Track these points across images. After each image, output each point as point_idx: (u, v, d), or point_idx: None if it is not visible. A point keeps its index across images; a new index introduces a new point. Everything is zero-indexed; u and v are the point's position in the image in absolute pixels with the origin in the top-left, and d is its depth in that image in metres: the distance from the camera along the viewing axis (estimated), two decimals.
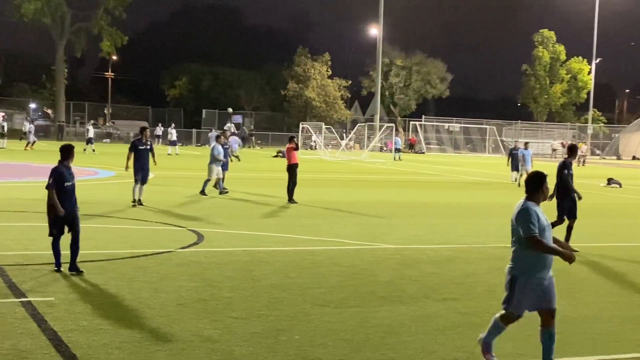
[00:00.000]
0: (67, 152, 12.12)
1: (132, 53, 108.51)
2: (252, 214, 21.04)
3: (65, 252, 11.86)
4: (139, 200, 21.28)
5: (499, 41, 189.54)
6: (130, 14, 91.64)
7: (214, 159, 25.45)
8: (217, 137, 26.78)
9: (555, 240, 8.17)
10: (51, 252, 11.97)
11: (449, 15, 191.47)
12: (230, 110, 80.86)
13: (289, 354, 8.28)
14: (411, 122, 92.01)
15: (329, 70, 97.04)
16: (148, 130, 23.09)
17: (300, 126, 72.61)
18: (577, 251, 15.26)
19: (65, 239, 11.91)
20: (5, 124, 60.08)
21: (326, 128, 74.79)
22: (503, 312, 7.99)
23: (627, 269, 14.29)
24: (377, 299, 11.02)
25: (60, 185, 11.77)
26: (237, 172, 31.91)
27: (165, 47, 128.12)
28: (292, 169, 24.42)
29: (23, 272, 11.85)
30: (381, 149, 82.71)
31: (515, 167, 36.30)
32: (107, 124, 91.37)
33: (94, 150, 53.79)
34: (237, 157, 27.06)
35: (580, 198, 16.27)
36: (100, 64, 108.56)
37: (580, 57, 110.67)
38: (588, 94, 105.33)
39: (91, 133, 57.12)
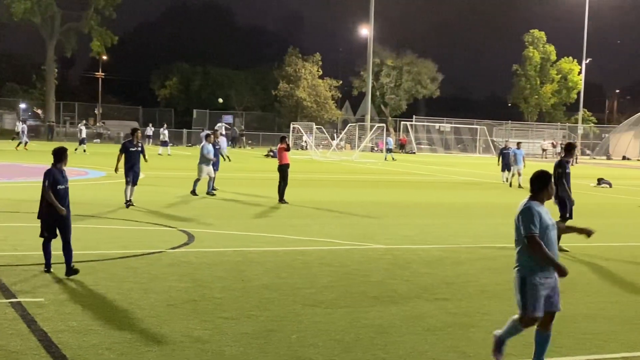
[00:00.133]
0: (59, 155, 12.02)
1: (122, 53, 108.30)
2: (243, 214, 21.02)
3: (57, 252, 11.80)
4: (130, 200, 21.22)
5: (490, 41, 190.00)
6: (121, 13, 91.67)
7: (203, 159, 25.41)
8: (207, 136, 26.71)
9: (569, 227, 8.18)
10: (41, 252, 11.94)
11: (440, 15, 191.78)
12: (220, 100, 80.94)
13: (280, 354, 8.27)
14: (402, 122, 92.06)
15: (320, 70, 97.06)
16: (139, 131, 23.02)
17: (291, 126, 72.60)
18: (567, 251, 15.33)
19: (57, 241, 11.86)
20: None
21: (317, 128, 74.78)
22: (520, 317, 7.84)
23: (618, 269, 14.32)
24: (368, 299, 11.02)
25: (53, 187, 11.69)
26: (227, 172, 31.87)
27: (155, 47, 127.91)
28: (283, 169, 24.41)
29: (13, 272, 11.81)
30: (372, 149, 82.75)
31: (505, 167, 36.30)
32: (98, 124, 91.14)
33: (84, 151, 53.65)
34: (227, 157, 26.93)
35: (572, 203, 16.23)
36: (90, 64, 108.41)
37: (570, 58, 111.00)
38: (578, 94, 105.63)
39: (84, 133, 57.11)
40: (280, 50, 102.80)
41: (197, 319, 9.55)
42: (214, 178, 26.29)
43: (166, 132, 61.09)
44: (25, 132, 56.92)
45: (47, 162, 12.10)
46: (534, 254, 7.60)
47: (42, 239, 11.88)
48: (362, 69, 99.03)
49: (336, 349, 8.53)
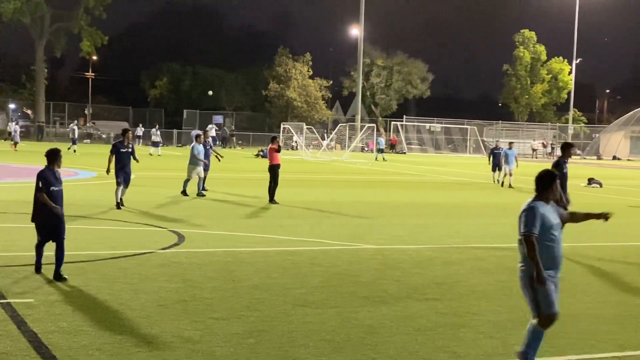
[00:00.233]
0: (53, 157, 11.88)
1: (112, 53, 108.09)
2: (233, 215, 21.01)
3: (48, 252, 11.75)
4: (121, 200, 21.16)
5: (480, 41, 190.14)
6: (111, 13, 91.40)
7: (193, 159, 25.35)
8: (197, 137, 26.66)
9: (587, 214, 8.41)
10: (31, 253, 11.89)
11: (430, 15, 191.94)
12: (210, 93, 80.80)
13: (270, 354, 8.27)
14: (392, 122, 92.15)
15: (310, 70, 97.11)
16: (130, 132, 22.96)
17: (282, 126, 72.59)
18: None
19: (50, 243, 11.80)
20: None
21: (307, 128, 74.78)
22: (538, 319, 7.76)
23: (609, 269, 14.37)
24: (359, 299, 11.02)
25: (47, 189, 11.57)
26: (217, 172, 31.82)
27: (145, 47, 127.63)
28: (273, 169, 24.41)
29: (3, 273, 11.77)
30: (362, 149, 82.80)
31: (496, 167, 36.34)
32: (88, 124, 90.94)
33: (74, 151, 53.53)
34: (217, 156, 27.04)
35: (568, 203, 16.19)
36: (80, 64, 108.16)
37: (560, 58, 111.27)
38: (568, 94, 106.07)
39: (76, 133, 57.15)
40: (270, 51, 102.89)
41: (187, 319, 9.54)
42: (205, 178, 26.26)
43: (158, 132, 61.13)
44: (18, 132, 56.94)
45: (36, 163, 12.07)
46: (527, 254, 7.61)
47: (33, 240, 11.79)
48: (352, 69, 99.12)
49: (326, 349, 8.53)
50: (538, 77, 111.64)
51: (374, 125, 78.85)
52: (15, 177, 30.03)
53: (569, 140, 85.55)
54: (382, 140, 68.66)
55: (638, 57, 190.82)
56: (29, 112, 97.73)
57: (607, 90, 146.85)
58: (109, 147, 22.47)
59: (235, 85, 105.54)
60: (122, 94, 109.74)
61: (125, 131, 22.52)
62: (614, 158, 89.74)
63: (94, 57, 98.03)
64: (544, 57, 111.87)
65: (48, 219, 11.58)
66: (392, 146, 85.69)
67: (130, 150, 21.58)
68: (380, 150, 64.69)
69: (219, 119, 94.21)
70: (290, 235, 17.07)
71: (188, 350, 8.30)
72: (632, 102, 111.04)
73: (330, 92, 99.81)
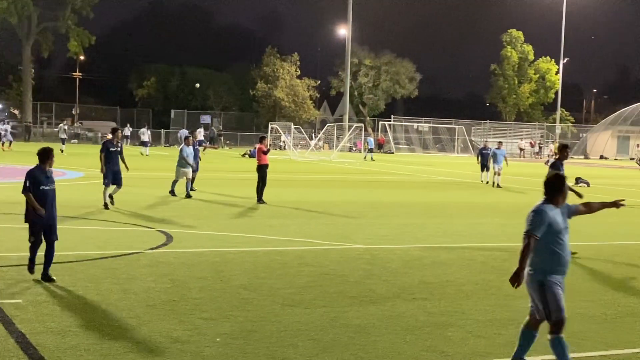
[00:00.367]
0: (44, 156, 11.75)
1: (100, 53, 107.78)
2: (221, 215, 21.00)
3: (38, 253, 11.71)
4: (111, 197, 21.06)
5: (468, 41, 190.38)
6: (98, 13, 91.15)
7: (181, 161, 25.27)
8: (186, 138, 26.62)
9: (603, 203, 8.43)
10: (19, 253, 11.85)
11: (418, 15, 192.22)
12: (197, 85, 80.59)
13: (259, 354, 8.28)
14: (380, 122, 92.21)
15: (298, 70, 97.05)
16: (120, 131, 22.91)
17: (269, 126, 72.56)
18: (575, 253, 15.37)
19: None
20: None
21: (295, 128, 74.76)
22: (550, 326, 7.72)
23: (597, 268, 14.42)
24: (347, 299, 11.04)
25: (36, 189, 11.42)
26: (205, 173, 31.77)
27: (133, 47, 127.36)
28: (262, 169, 24.40)
29: None
30: (350, 149, 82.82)
31: (484, 167, 36.38)
32: (76, 124, 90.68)
33: (62, 151, 53.33)
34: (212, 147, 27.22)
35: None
36: (68, 64, 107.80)
37: (548, 57, 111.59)
38: (556, 93, 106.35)
39: (65, 133, 57.22)
40: (258, 51, 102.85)
41: (176, 319, 9.54)
42: (194, 179, 26.27)
43: (148, 132, 61.31)
44: (9, 132, 56.88)
45: (24, 163, 11.98)
46: (521, 250, 7.61)
47: (20, 240, 11.68)
48: (340, 68, 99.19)
49: (315, 348, 8.55)
50: (525, 77, 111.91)
51: (362, 125, 78.88)
52: (2, 177, 29.91)
53: (564, 142, 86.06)
54: (372, 140, 68.73)
55: (625, 57, 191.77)
56: (16, 112, 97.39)
57: (594, 90, 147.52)
58: (97, 147, 22.42)
59: (223, 85, 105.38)
60: (110, 94, 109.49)
61: (114, 130, 22.49)
62: (601, 157, 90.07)
63: (82, 57, 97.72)
64: (531, 56, 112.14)
65: (42, 218, 11.45)
66: (380, 146, 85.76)
67: (119, 149, 21.56)
68: (370, 150, 64.80)
69: (206, 118, 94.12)
70: (278, 235, 17.07)
71: (177, 351, 8.29)
72: (619, 102, 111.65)
73: (318, 92, 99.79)
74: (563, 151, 16.71)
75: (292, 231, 17.87)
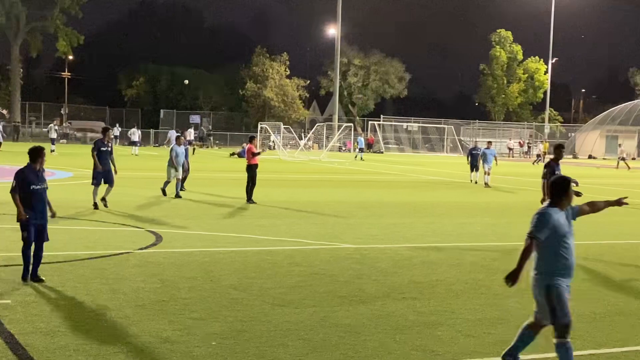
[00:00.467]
0: (35, 155, 11.58)
1: (89, 53, 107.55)
2: (211, 215, 20.97)
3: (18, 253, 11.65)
4: (104, 200, 20.95)
5: (457, 41, 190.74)
6: (87, 13, 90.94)
7: (172, 161, 25.21)
8: (177, 138, 26.60)
9: (607, 202, 8.40)
10: (7, 254, 11.80)
11: (407, 15, 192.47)
12: (186, 82, 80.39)
13: (249, 354, 8.27)
14: (369, 122, 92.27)
15: (287, 70, 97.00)
16: (111, 131, 22.87)
17: (259, 126, 72.47)
18: None
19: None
20: None
21: (285, 128, 74.72)
22: (555, 330, 7.66)
23: (585, 267, 14.43)
24: (337, 298, 11.04)
25: (26, 188, 11.28)
26: (195, 173, 31.70)
27: (122, 47, 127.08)
28: (251, 169, 24.39)
29: None
30: (340, 149, 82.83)
31: (474, 167, 36.38)
32: (64, 124, 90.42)
33: (52, 151, 53.15)
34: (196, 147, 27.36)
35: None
36: (56, 64, 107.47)
37: (536, 57, 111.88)
38: (544, 93, 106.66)
39: (55, 133, 57.19)
40: (247, 50, 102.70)
41: (165, 319, 9.53)
42: (185, 178, 26.30)
43: (138, 132, 61.36)
44: (1, 132, 56.89)
45: (12, 163, 11.86)
46: (520, 254, 7.56)
47: (7, 240, 11.60)
48: (329, 68, 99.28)
49: (305, 348, 8.55)
50: (514, 77, 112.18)
51: (352, 124, 78.91)
52: None
53: (560, 142, 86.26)
54: (362, 139, 68.80)
55: (613, 57, 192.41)
56: (5, 112, 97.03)
57: (583, 90, 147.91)
58: (87, 146, 22.35)
59: (213, 85, 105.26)
60: (99, 93, 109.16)
61: (105, 130, 22.46)
62: (590, 157, 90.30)
63: (70, 57, 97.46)
64: (520, 56, 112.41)
65: (33, 218, 11.32)
66: (369, 146, 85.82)
67: (109, 149, 21.52)
68: (360, 150, 64.88)
69: (196, 118, 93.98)
70: (268, 235, 17.06)
71: (166, 351, 8.28)
72: (608, 102, 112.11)
73: (307, 91, 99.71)
74: (558, 151, 16.52)
75: (282, 231, 17.86)
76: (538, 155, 71.07)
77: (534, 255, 7.70)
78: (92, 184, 21.17)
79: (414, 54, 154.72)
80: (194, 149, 26.79)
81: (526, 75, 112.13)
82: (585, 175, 47.28)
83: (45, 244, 11.55)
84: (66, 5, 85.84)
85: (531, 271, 7.70)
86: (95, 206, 20.75)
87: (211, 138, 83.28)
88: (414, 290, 11.77)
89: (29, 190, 11.32)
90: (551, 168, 15.98)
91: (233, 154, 59.26)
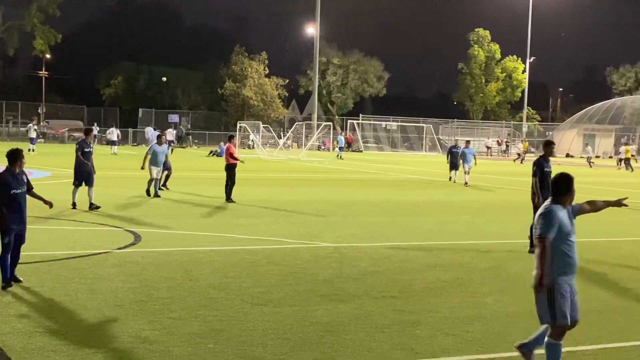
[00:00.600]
0: (13, 157, 11.29)
1: (66, 51, 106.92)
2: (190, 214, 20.92)
3: None
4: (92, 205, 20.75)
5: (435, 40, 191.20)
6: (65, 11, 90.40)
7: (152, 160, 25.10)
8: (159, 137, 26.55)
9: (606, 202, 8.27)
10: None
11: (385, 14, 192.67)
12: (164, 79, 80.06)
13: (228, 353, 8.26)
14: (349, 121, 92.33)
15: (266, 69, 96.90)
16: (93, 131, 22.77)
17: (238, 125, 72.38)
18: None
19: None
20: None
21: (264, 127, 74.64)
22: (551, 330, 7.65)
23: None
24: (316, 297, 11.05)
25: (6, 193, 11.03)
26: (174, 172, 31.62)
27: (100, 46, 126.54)
28: (230, 168, 24.36)
29: None
30: (319, 148, 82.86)
31: (453, 166, 36.36)
32: (42, 123, 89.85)
33: (32, 151, 52.79)
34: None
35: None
36: (34, 63, 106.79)
37: (514, 56, 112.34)
38: (522, 92, 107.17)
39: (34, 133, 56.93)
40: (226, 49, 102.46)
41: (144, 319, 9.50)
42: (168, 177, 26.31)
43: (117, 131, 61.18)
44: None
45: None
46: (536, 256, 7.45)
47: None
48: (308, 67, 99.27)
49: (285, 347, 8.55)
50: (492, 76, 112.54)
51: (331, 123, 78.96)
52: None
53: (523, 140, 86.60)
54: (342, 138, 68.85)
55: (590, 56, 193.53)
56: None
57: (560, 89, 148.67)
58: (65, 146, 22.24)
59: (191, 84, 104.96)
60: (77, 92, 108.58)
61: (88, 130, 22.37)
62: (567, 155, 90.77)
63: (48, 56, 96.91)
64: (498, 55, 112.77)
65: (13, 223, 11.10)
66: (348, 144, 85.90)
67: (91, 150, 21.43)
68: (340, 149, 64.91)
69: (174, 117, 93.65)
70: (247, 234, 17.05)
71: (145, 351, 8.26)
72: (585, 100, 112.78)
73: (286, 90, 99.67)
74: (548, 148, 16.17)
75: (261, 230, 17.85)
76: (518, 154, 71.38)
77: (535, 253, 7.61)
78: (74, 184, 21.06)
79: (392, 53, 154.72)
80: (172, 150, 26.77)
81: (504, 74, 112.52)
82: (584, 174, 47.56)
83: (23, 244, 11.45)
84: (43, 3, 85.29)
85: (533, 270, 7.64)
86: (74, 206, 20.66)
87: (190, 137, 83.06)
88: (393, 288, 11.80)
89: (9, 195, 11.07)
90: (540, 166, 15.70)
91: (212, 152, 59.17)
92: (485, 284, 12.39)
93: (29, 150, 52.42)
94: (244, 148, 72.51)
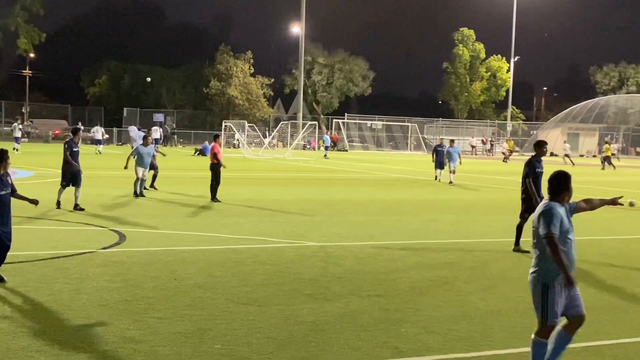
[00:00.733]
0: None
1: (50, 50, 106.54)
2: (175, 213, 20.88)
3: None
4: (77, 206, 20.63)
5: (420, 39, 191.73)
6: (49, 10, 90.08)
7: (138, 161, 25.02)
8: (145, 138, 26.49)
9: (602, 200, 8.20)
10: None
11: (371, 13, 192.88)
12: (148, 79, 79.82)
13: (213, 353, 8.25)
14: (334, 120, 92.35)
15: (252, 68, 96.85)
16: (81, 131, 22.70)
17: (223, 124, 72.24)
18: (527, 251, 15.44)
19: None
20: None
21: (249, 126, 74.57)
22: (539, 327, 7.57)
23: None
24: (302, 296, 11.05)
25: None
26: (159, 171, 31.56)
27: (85, 45, 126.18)
28: (215, 167, 24.32)
29: None
30: (304, 147, 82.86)
31: (439, 165, 36.40)
32: (26, 122, 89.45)
33: (16, 150, 52.53)
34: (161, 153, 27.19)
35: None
36: (17, 62, 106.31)
37: (499, 55, 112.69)
38: (507, 91, 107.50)
39: (19, 132, 56.82)
40: (211, 48, 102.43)
41: (129, 319, 9.47)
42: (155, 176, 26.31)
43: (102, 129, 61.01)
44: None
45: None
46: (551, 255, 7.33)
47: None
48: (293, 67, 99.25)
49: (270, 346, 8.54)
50: (477, 75, 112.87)
51: (316, 123, 78.98)
52: None
53: (508, 139, 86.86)
54: (328, 138, 68.84)
55: (574, 55, 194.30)
56: None
57: (544, 88, 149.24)
58: (49, 145, 22.15)
59: (176, 83, 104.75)
60: (61, 92, 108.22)
61: (76, 130, 22.28)
62: (551, 154, 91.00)
63: (32, 55, 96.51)
64: (482, 55, 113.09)
65: (1, 226, 11.03)
66: (334, 144, 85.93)
67: (78, 149, 21.34)
68: (327, 148, 64.92)
69: (159, 117, 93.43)
70: (232, 234, 17.03)
71: (130, 350, 8.23)
72: (569, 99, 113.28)
73: (271, 89, 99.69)
74: (540, 149, 16.11)
75: (247, 229, 17.83)
76: (503, 153, 71.57)
77: (533, 252, 7.59)
78: (61, 184, 20.95)
79: (378, 53, 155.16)
80: (164, 154, 26.70)
81: (489, 73, 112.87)
82: (547, 172, 47.73)
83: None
84: (27, 2, 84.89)
85: (531, 267, 7.62)
86: (58, 205, 20.56)
87: (175, 136, 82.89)
88: (378, 287, 11.81)
89: None
90: (532, 166, 15.68)
91: (197, 151, 59.12)
92: (470, 283, 12.42)
93: (14, 149, 52.19)
94: (229, 147, 72.40)
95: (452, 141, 38.01)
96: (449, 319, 10.02)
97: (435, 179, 36.34)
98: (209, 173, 24.47)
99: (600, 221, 21.24)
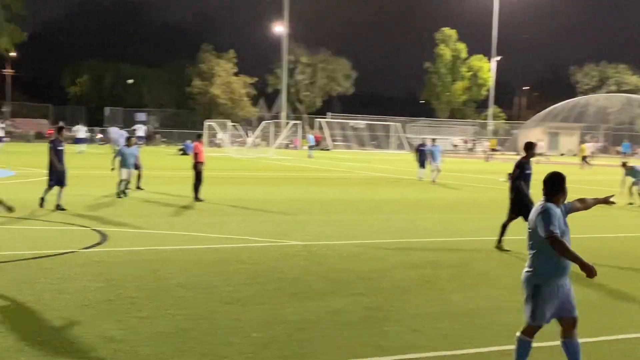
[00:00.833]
0: None
1: (32, 49, 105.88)
2: (158, 213, 20.82)
3: None
4: (59, 206, 20.49)
5: (402, 39, 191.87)
6: (30, 9, 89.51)
7: (123, 161, 24.91)
8: (128, 139, 26.40)
9: (596, 199, 8.14)
10: None
11: (353, 13, 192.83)
12: (130, 81, 79.54)
13: (194, 352, 8.23)
14: (317, 119, 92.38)
15: (235, 67, 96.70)
16: (65, 129, 22.58)
17: (206, 123, 72.08)
18: (508, 250, 15.46)
19: None
20: None
21: (232, 125, 74.46)
22: (525, 326, 7.55)
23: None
24: (285, 295, 11.04)
25: None
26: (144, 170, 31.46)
27: (66, 44, 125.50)
28: (198, 167, 24.26)
29: None
30: (287, 146, 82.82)
31: (422, 164, 36.47)
32: (7, 122, 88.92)
33: None
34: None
35: (530, 204, 14.65)
36: None
37: (480, 55, 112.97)
38: (488, 91, 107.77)
39: (3, 132, 56.62)
40: (194, 47, 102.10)
41: (111, 318, 9.43)
42: (140, 176, 26.27)
43: (84, 128, 60.81)
44: None
45: None
46: (560, 255, 7.23)
47: None
48: (276, 66, 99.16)
49: (253, 346, 8.53)
50: (459, 75, 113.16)
51: (299, 122, 78.95)
52: None
53: (491, 138, 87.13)
54: (312, 137, 68.85)
55: (555, 55, 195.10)
56: None
57: (526, 88, 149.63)
58: (31, 145, 22.02)
59: (158, 82, 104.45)
60: (42, 91, 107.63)
61: (60, 128, 22.15)
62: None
63: (13, 54, 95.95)
64: (464, 54, 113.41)
65: None
66: (317, 143, 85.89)
67: (64, 148, 21.19)
68: (311, 147, 64.96)
69: (142, 116, 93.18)
70: (215, 233, 16.99)
71: (111, 350, 8.20)
72: (550, 99, 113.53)
73: (255, 89, 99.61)
74: (530, 150, 16.07)
75: (230, 229, 17.80)
76: (484, 152, 71.81)
77: (529, 252, 7.55)
78: (49, 184, 20.79)
79: (360, 52, 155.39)
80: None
81: (470, 73, 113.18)
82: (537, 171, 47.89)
83: None
84: (8, 1, 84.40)
85: (525, 267, 7.59)
86: (41, 202, 20.40)
87: (157, 136, 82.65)
88: (361, 286, 11.82)
89: None
90: (522, 167, 15.66)
91: (180, 150, 59.06)
92: (453, 281, 12.45)
93: None
94: (212, 147, 72.26)
95: (433, 140, 38.10)
96: (432, 317, 10.04)
97: (419, 178, 36.38)
98: (191, 172, 24.41)
99: (589, 219, 21.29)
